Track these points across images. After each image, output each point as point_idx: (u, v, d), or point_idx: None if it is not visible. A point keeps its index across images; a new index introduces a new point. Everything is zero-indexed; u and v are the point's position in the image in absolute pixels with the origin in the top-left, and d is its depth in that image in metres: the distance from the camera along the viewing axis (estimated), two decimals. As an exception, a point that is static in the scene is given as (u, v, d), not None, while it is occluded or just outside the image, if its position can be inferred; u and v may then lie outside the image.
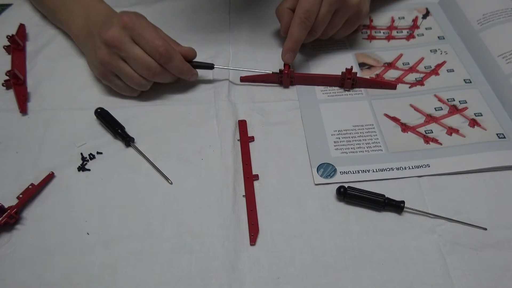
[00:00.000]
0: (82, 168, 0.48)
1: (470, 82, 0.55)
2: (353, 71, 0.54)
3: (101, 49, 0.50)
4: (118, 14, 0.50)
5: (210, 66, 0.55)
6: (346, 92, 0.56)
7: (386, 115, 0.53)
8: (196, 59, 0.54)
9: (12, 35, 0.60)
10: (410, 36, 0.62)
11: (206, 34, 0.63)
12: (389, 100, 0.54)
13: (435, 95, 0.54)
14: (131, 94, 0.54)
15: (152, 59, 0.50)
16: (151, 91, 0.55)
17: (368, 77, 0.57)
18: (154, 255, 0.42)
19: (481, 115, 0.51)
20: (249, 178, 0.47)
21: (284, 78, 0.55)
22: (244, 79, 0.57)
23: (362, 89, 0.56)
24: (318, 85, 0.56)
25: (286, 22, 0.55)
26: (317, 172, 0.47)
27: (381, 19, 0.65)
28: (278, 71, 0.55)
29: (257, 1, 0.68)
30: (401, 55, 0.60)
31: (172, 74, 0.52)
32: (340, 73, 0.55)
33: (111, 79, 0.53)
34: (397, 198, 0.44)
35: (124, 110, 0.53)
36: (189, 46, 0.53)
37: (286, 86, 0.56)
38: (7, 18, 0.66)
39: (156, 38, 0.49)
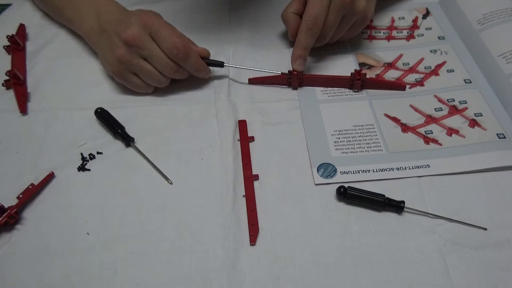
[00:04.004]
0: (82, 168, 0.48)
1: (470, 82, 0.55)
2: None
3: (120, 48, 0.50)
4: (136, 13, 0.51)
5: (220, 64, 0.55)
6: (347, 92, 0.56)
7: (386, 115, 0.53)
8: None
9: (12, 35, 0.60)
10: (410, 37, 0.62)
11: (206, 34, 0.63)
12: (389, 100, 0.54)
13: (435, 96, 0.54)
14: (146, 91, 0.55)
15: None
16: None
17: (374, 76, 0.57)
18: (154, 255, 0.42)
19: (481, 115, 0.51)
20: (249, 178, 0.47)
21: (293, 79, 0.55)
22: (252, 81, 0.57)
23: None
24: (326, 86, 0.56)
25: (293, 27, 0.56)
26: (317, 172, 0.47)
27: (381, 19, 0.65)
28: (286, 72, 0.55)
29: (257, 1, 0.68)
30: (401, 56, 0.60)
31: (188, 71, 0.53)
32: (344, 73, 0.55)
33: (127, 77, 0.53)
34: (397, 198, 0.44)
35: (124, 110, 0.53)
36: (203, 47, 0.54)
37: (295, 88, 0.56)
38: (7, 18, 0.66)
39: (174, 36, 0.50)
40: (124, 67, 0.51)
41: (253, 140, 0.51)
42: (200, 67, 0.53)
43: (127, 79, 0.53)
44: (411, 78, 0.57)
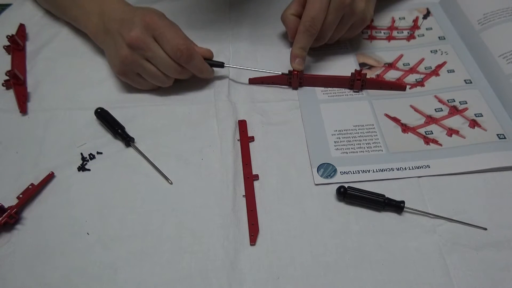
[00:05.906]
0: (82, 168, 0.48)
1: (471, 82, 0.55)
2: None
3: (123, 49, 0.50)
4: (139, 13, 0.50)
5: (220, 65, 0.55)
6: (347, 92, 0.56)
7: (386, 115, 0.53)
8: None
9: (12, 35, 0.60)
10: (410, 37, 0.62)
11: (206, 33, 0.63)
12: (389, 100, 0.54)
13: (435, 96, 0.54)
14: (151, 89, 0.55)
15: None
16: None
17: (374, 76, 0.57)
18: (154, 255, 0.42)
19: (482, 116, 0.51)
20: (249, 178, 0.47)
21: (294, 79, 0.55)
22: (252, 81, 0.57)
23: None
24: (327, 87, 0.56)
25: (291, 28, 0.56)
26: (317, 172, 0.47)
27: (382, 19, 0.65)
28: (286, 72, 0.55)
29: (257, 0, 0.68)
30: (401, 56, 0.60)
31: (191, 72, 0.53)
32: (344, 73, 0.55)
33: (132, 77, 0.53)
34: (397, 198, 0.44)
35: (124, 110, 0.53)
36: (206, 48, 0.54)
37: (295, 88, 0.56)
38: (7, 18, 0.66)
39: (177, 37, 0.50)
40: (128, 68, 0.52)
41: (253, 140, 0.51)
42: (203, 69, 0.53)
43: (131, 79, 0.54)
44: (411, 78, 0.57)
